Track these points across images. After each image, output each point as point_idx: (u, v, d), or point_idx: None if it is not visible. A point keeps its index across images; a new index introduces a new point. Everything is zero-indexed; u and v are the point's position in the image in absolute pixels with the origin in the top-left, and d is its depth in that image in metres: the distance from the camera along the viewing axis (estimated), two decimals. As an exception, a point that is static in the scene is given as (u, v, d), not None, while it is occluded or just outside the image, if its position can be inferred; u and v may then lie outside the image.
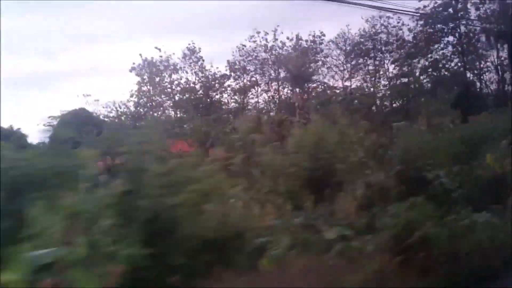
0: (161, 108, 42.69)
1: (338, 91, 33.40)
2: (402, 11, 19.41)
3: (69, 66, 51.05)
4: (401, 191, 9.38)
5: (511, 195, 10.07)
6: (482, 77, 35.06)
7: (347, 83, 37.98)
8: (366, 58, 36.62)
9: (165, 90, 41.98)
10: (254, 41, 38.45)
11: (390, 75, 36.38)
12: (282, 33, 37.90)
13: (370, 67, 36.95)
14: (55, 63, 51.14)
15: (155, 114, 41.84)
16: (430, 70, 36.32)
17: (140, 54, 40.86)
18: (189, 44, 40.45)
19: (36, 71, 48.44)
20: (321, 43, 38.15)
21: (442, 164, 11.06)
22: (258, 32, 38.11)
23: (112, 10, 48.05)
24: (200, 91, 41.02)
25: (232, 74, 40.88)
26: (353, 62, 37.25)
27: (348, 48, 37.37)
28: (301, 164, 7.82)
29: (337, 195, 8.12)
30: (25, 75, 45.23)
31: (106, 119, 41.72)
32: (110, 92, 67.82)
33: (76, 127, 36.44)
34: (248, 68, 40.14)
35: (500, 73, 33.54)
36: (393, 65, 35.55)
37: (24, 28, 42.41)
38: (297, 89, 33.97)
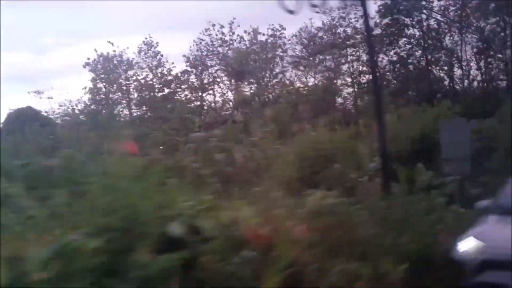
0: (119, 106, 40.53)
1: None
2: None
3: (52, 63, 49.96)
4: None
5: None
6: (451, 73, 32.05)
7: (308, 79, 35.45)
8: (324, 52, 33.80)
9: (122, 88, 39.82)
10: (209, 35, 36.11)
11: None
12: (239, 26, 35.57)
13: (330, 62, 34.13)
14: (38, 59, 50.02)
15: (112, 113, 39.66)
16: (397, 65, 33.54)
17: (95, 49, 38.78)
18: (145, 38, 38.32)
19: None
20: (280, 38, 35.64)
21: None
22: (214, 25, 35.78)
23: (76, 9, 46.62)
24: (157, 90, 38.74)
25: (194, 70, 38.61)
26: (311, 57, 34.50)
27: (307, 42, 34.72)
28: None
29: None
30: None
31: (63, 118, 40.01)
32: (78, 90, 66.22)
33: (20, 126, 34.85)
34: (208, 63, 37.81)
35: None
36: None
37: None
38: (239, 86, 31.43)
